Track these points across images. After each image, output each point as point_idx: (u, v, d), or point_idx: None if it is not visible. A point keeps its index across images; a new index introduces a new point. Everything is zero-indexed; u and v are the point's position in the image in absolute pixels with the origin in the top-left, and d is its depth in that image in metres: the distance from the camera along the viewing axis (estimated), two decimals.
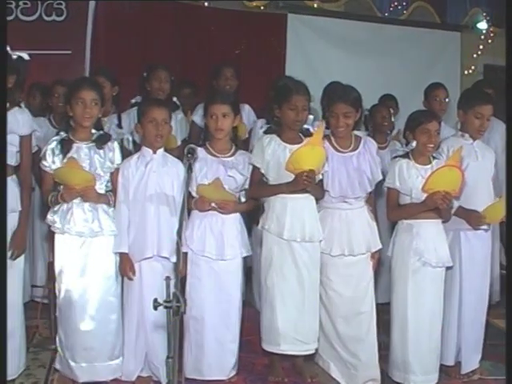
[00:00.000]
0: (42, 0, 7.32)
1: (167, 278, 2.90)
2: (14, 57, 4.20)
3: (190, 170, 3.47)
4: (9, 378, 4.20)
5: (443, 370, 4.47)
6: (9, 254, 4.14)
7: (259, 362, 4.65)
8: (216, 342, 4.31)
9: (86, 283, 4.19)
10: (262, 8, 7.99)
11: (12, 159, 4.18)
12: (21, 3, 7.31)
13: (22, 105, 4.37)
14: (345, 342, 4.40)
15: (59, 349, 4.27)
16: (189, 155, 3.54)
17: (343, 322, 4.40)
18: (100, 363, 4.23)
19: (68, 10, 7.30)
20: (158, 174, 4.19)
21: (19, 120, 4.16)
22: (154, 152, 4.22)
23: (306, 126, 4.38)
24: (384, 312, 4.68)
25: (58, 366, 4.31)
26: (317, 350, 4.47)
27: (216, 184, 4.20)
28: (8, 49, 4.20)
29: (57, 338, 4.29)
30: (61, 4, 7.32)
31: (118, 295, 4.29)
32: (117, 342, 4.27)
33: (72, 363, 4.20)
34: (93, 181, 4.13)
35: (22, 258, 4.24)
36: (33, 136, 4.27)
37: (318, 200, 4.35)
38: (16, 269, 4.20)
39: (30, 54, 4.38)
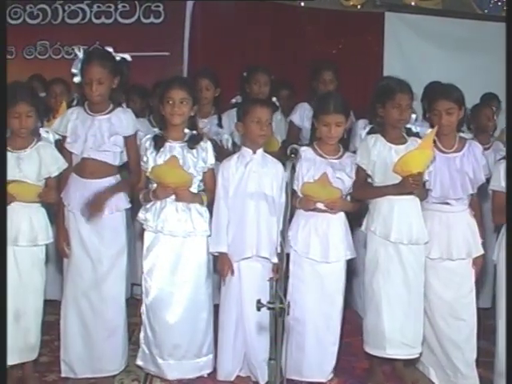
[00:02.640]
0: (140, 3, 7.47)
1: (271, 279, 2.88)
2: (118, 58, 4.26)
3: (293, 169, 3.44)
4: (111, 373, 4.33)
5: None
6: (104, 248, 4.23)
7: (359, 366, 4.60)
8: (317, 344, 4.28)
9: (177, 282, 4.25)
10: (358, 7, 7.91)
11: (116, 160, 4.27)
12: (119, 6, 7.52)
13: (124, 105, 4.45)
14: (444, 347, 4.31)
15: (144, 346, 4.34)
16: (292, 155, 3.51)
17: (443, 325, 4.30)
18: (188, 361, 4.30)
19: (166, 12, 7.47)
20: (257, 175, 4.20)
21: (122, 120, 4.24)
22: (254, 152, 4.24)
23: (408, 126, 4.29)
24: (486, 317, 4.55)
25: (140, 362, 4.39)
26: (420, 354, 4.37)
27: (323, 180, 4.16)
28: (111, 50, 4.29)
29: (141, 335, 4.36)
30: (159, 6, 7.48)
31: (208, 294, 4.33)
32: (205, 339, 4.33)
33: (160, 360, 4.28)
34: (189, 182, 4.19)
35: (124, 258, 4.32)
36: (137, 135, 4.34)
37: (421, 201, 4.27)
38: (119, 268, 4.29)
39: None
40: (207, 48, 7.36)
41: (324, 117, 4.22)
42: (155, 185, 4.25)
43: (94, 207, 4.14)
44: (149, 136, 4.31)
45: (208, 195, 4.29)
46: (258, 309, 2.87)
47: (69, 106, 4.72)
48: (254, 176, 4.20)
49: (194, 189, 4.27)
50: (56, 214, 4.30)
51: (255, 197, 4.18)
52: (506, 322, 3.90)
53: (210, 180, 4.33)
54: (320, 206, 4.22)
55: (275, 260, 4.10)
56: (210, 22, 7.40)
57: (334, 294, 4.29)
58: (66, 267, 4.29)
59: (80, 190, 4.19)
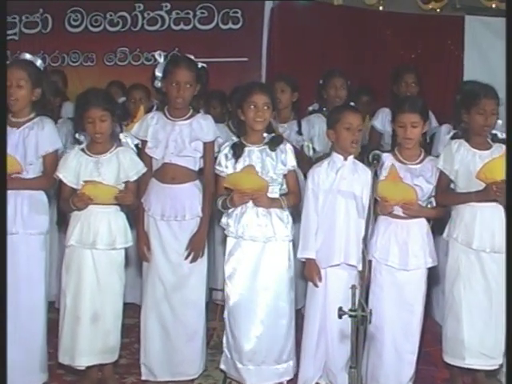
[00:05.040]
0: (219, 9, 7.54)
1: (353, 287, 2.85)
2: (199, 66, 4.29)
3: (375, 176, 3.40)
4: (189, 377, 4.36)
5: None
6: (185, 253, 4.26)
7: (439, 376, 4.51)
8: (395, 353, 4.19)
9: (257, 287, 4.21)
10: (438, 10, 7.79)
11: (196, 165, 4.31)
12: (198, 13, 7.59)
13: (202, 112, 4.48)
14: None
15: (226, 350, 4.32)
16: (374, 161, 3.47)
17: None
18: (267, 367, 4.24)
19: (244, 18, 7.53)
20: (348, 181, 4.14)
21: (203, 126, 4.28)
22: (345, 159, 4.18)
23: (494, 132, 4.20)
24: None
25: (223, 366, 4.37)
26: (501, 365, 4.26)
27: (393, 176, 4.08)
28: (192, 57, 4.33)
29: (224, 340, 4.35)
30: (237, 12, 7.55)
31: (289, 300, 4.27)
32: (286, 346, 4.26)
33: (239, 365, 4.24)
34: (265, 187, 4.14)
35: (204, 262, 4.35)
36: (215, 142, 4.36)
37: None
38: (199, 272, 4.32)
39: (207, 62, 4.49)
40: (285, 54, 7.38)
41: (399, 117, 4.16)
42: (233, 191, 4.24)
43: (197, 250, 4.28)
44: (228, 143, 4.29)
45: (290, 198, 4.25)
46: (340, 316, 2.84)
47: (147, 112, 4.78)
48: (345, 182, 4.14)
49: (274, 193, 4.23)
50: (136, 218, 4.36)
51: (345, 203, 4.13)
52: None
53: (291, 182, 4.28)
54: (397, 212, 4.16)
55: (361, 267, 4.06)
56: (289, 27, 7.42)
57: (414, 302, 4.20)
58: (146, 271, 4.34)
59: (161, 195, 4.25)
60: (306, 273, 4.23)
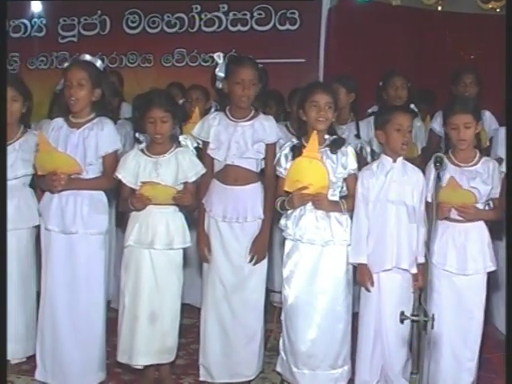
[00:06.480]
0: (276, 10, 7.54)
1: (415, 292, 2.81)
2: (260, 66, 4.28)
3: (438, 179, 3.34)
4: (247, 379, 4.35)
5: None
6: (248, 258, 4.24)
7: (499, 383, 4.39)
8: (453, 359, 4.11)
9: (315, 291, 4.15)
10: (497, 10, 7.64)
11: (257, 166, 4.28)
12: (255, 14, 7.62)
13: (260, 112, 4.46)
14: None
15: (282, 352, 4.28)
16: (437, 164, 3.41)
17: None
18: (322, 371, 4.17)
19: (301, 18, 7.52)
20: (398, 184, 4.06)
21: (266, 127, 4.24)
22: (394, 161, 4.10)
23: None
24: None
25: (279, 368, 4.34)
26: None
27: (452, 184, 4.00)
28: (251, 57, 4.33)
29: (280, 342, 4.31)
30: (294, 13, 7.54)
31: (346, 304, 4.19)
32: (341, 351, 4.19)
33: (294, 369, 4.20)
34: (326, 188, 4.05)
35: (265, 264, 4.31)
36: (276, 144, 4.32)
37: None
38: (260, 274, 4.29)
39: (264, 63, 4.48)
40: (343, 54, 7.32)
41: (451, 118, 4.08)
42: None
43: (261, 252, 4.27)
44: (288, 144, 4.22)
45: (350, 202, 4.14)
46: (402, 321, 2.81)
47: (204, 113, 4.78)
48: (395, 185, 4.06)
49: (333, 196, 4.15)
50: (197, 219, 4.35)
51: (395, 206, 4.05)
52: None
53: (351, 186, 4.17)
54: (454, 215, 4.08)
55: (414, 271, 3.99)
56: (346, 28, 7.37)
57: (473, 307, 4.11)
58: (207, 272, 4.34)
59: (222, 196, 4.23)
60: (357, 278, 4.16)
